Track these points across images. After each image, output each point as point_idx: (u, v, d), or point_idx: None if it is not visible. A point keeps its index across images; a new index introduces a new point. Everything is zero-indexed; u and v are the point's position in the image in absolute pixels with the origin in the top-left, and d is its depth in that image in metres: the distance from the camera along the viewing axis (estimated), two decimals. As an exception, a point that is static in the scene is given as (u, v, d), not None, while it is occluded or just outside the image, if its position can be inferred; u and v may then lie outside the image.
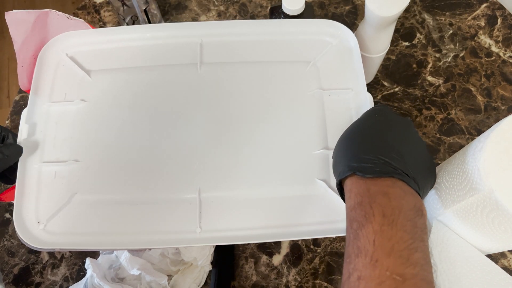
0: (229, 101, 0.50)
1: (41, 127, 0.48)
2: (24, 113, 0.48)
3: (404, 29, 0.70)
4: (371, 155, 0.35)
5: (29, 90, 0.50)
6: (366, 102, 0.48)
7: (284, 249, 0.57)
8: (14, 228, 0.43)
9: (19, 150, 0.45)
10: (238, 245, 0.57)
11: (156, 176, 0.46)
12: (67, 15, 0.52)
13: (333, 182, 0.46)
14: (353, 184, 0.35)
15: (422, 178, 0.36)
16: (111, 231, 0.44)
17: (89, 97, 0.50)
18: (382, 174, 0.34)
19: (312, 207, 0.45)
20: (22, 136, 0.47)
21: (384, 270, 0.29)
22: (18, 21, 0.49)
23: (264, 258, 0.57)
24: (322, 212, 0.45)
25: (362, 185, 0.34)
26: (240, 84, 0.51)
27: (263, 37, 0.53)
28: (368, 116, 0.41)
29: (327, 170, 0.46)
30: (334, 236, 0.50)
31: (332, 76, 0.51)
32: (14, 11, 0.49)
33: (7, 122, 0.66)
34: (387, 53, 0.67)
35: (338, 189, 0.39)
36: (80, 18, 0.73)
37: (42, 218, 0.44)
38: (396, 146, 0.36)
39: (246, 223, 0.44)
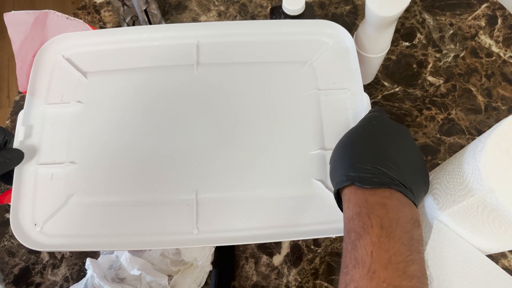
0: (225, 102, 0.50)
1: (38, 129, 0.48)
2: (21, 115, 0.48)
3: (404, 29, 0.70)
4: (369, 165, 0.35)
5: (27, 92, 0.50)
6: (363, 102, 0.48)
7: (285, 249, 0.57)
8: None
9: (21, 155, 0.45)
10: (238, 245, 0.57)
11: (152, 177, 0.46)
12: (67, 15, 0.52)
13: (330, 182, 0.46)
14: (351, 194, 0.35)
15: (417, 188, 0.36)
16: (108, 233, 0.44)
17: (85, 99, 0.50)
18: (380, 185, 0.34)
19: (309, 208, 0.45)
20: (18, 138, 0.46)
21: (381, 282, 0.29)
22: (16, 22, 0.49)
23: (264, 258, 0.57)
24: (319, 212, 0.45)
25: (360, 195, 0.34)
26: (237, 85, 0.51)
27: (259, 38, 0.53)
28: (366, 124, 0.41)
29: (324, 170, 0.46)
30: (334, 236, 0.50)
31: (328, 76, 0.51)
32: (12, 12, 0.49)
33: (7, 122, 0.66)
34: (388, 53, 0.67)
35: (335, 198, 0.39)
36: (80, 18, 0.73)
37: (39, 220, 0.44)
38: (393, 156, 0.36)
39: (243, 224, 0.44)
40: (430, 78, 0.66)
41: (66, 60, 0.51)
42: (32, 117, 0.48)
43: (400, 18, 0.70)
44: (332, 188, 0.40)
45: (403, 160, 0.36)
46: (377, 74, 0.66)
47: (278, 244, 0.57)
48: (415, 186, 0.36)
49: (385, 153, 0.36)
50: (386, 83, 0.66)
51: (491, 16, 0.70)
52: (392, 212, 0.32)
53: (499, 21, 0.70)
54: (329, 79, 0.51)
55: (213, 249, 0.55)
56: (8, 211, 0.60)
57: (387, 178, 0.34)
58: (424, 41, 0.69)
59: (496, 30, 0.69)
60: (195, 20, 0.72)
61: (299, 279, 0.55)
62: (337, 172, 0.38)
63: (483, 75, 0.66)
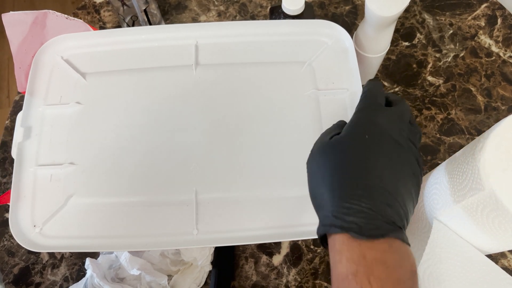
0: (224, 103, 0.50)
1: (37, 130, 0.48)
2: (19, 116, 0.48)
3: (404, 29, 0.70)
4: (364, 205, 0.30)
5: (27, 92, 0.50)
6: None
7: (284, 249, 0.57)
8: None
9: None
10: (238, 245, 0.57)
11: (152, 178, 0.46)
12: (66, 15, 0.52)
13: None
14: (343, 245, 0.30)
15: (410, 215, 0.33)
16: (107, 234, 0.44)
17: (84, 100, 0.50)
18: (379, 236, 0.30)
19: (309, 208, 0.44)
20: (17, 139, 0.46)
21: None
22: (15, 22, 0.49)
23: (264, 258, 0.57)
24: None
25: (355, 248, 0.30)
26: (236, 86, 0.51)
27: (258, 38, 0.53)
28: (356, 138, 0.34)
29: None
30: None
31: (327, 76, 0.51)
32: (11, 12, 0.49)
33: (7, 122, 0.66)
34: (387, 53, 0.67)
35: (319, 237, 0.33)
36: (80, 18, 0.73)
37: (38, 221, 0.44)
38: (389, 185, 0.31)
39: (243, 224, 0.44)
40: (429, 78, 0.66)
41: (65, 61, 0.51)
42: (31, 118, 0.48)
43: (400, 18, 0.70)
44: None
45: (398, 187, 0.32)
46: (376, 74, 0.66)
47: (278, 244, 0.57)
48: (408, 216, 0.32)
49: (380, 183, 0.31)
50: (386, 83, 0.66)
51: (491, 16, 0.70)
52: (393, 272, 0.29)
53: (499, 21, 0.70)
54: (328, 79, 0.51)
55: (213, 249, 0.55)
56: (8, 210, 0.60)
57: (384, 224, 0.30)
58: (424, 41, 0.69)
59: (496, 30, 0.69)
60: (195, 20, 0.72)
61: (299, 279, 0.55)
62: (321, 204, 0.33)
63: (483, 75, 0.66)
